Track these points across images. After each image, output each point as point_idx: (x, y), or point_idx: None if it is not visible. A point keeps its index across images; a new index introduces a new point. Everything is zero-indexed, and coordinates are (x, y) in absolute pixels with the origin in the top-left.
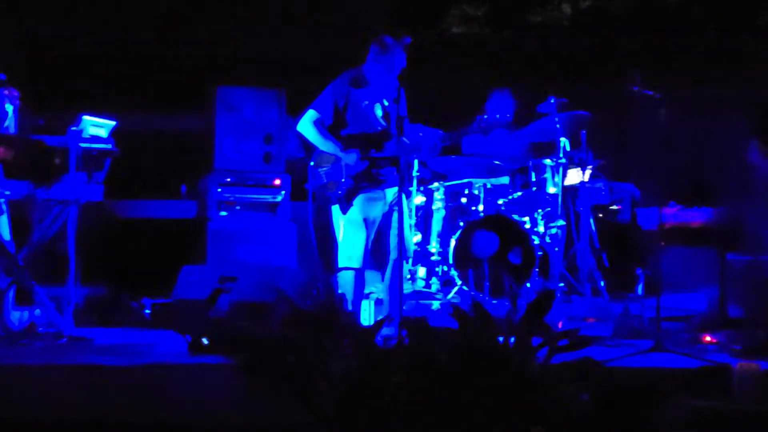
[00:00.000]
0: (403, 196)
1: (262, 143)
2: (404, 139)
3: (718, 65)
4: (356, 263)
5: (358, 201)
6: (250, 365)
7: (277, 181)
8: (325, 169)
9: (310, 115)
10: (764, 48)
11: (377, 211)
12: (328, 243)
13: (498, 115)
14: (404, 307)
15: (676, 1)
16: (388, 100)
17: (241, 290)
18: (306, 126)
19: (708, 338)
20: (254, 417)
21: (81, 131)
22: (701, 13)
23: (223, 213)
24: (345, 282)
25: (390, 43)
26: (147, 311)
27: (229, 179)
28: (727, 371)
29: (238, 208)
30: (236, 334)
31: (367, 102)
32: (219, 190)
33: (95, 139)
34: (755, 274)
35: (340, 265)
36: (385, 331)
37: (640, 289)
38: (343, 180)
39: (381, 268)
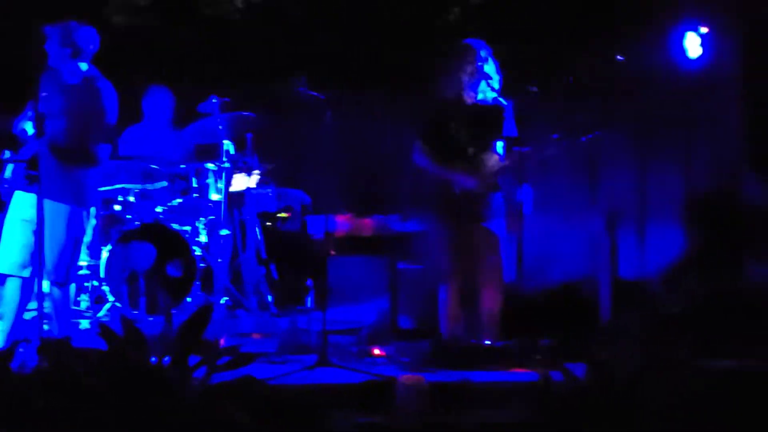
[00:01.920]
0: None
1: None
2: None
3: (387, 69)
4: (13, 270)
5: (13, 200)
6: None
7: None
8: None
9: None
10: (432, 54)
11: (24, 214)
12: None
13: (156, 114)
14: (45, 327)
15: (349, 4)
16: (60, 98)
17: None
18: None
19: (377, 351)
20: None
21: None
22: (374, 18)
23: None
24: (5, 293)
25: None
26: None
27: None
28: (392, 385)
29: None
30: None
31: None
32: None
33: None
34: (425, 283)
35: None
36: (22, 354)
37: (309, 302)
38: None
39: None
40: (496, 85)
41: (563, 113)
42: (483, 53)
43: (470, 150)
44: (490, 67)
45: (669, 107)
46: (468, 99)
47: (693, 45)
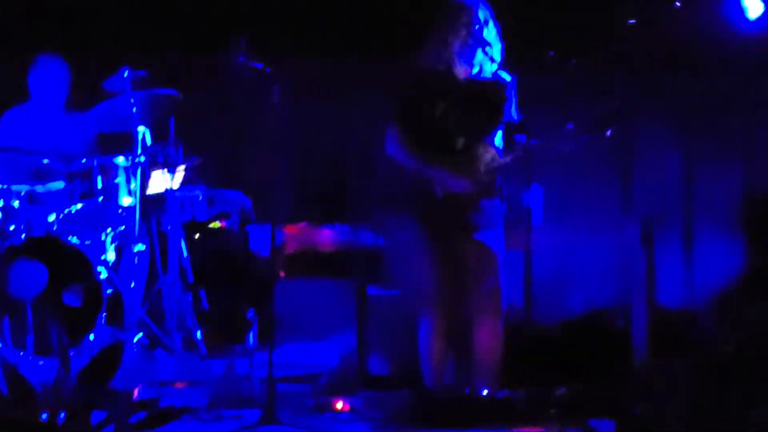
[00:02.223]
0: None
1: None
2: None
3: (354, 32)
4: None
5: None
6: None
7: None
8: None
9: None
10: (414, 12)
11: None
12: None
13: (47, 92)
14: None
15: None
16: None
17: None
18: None
19: (340, 404)
20: None
21: None
22: None
23: None
24: None
25: None
26: None
27: None
28: None
29: None
30: None
31: None
32: None
33: None
34: (402, 313)
35: None
36: None
37: (251, 340)
38: None
39: None
40: (498, 56)
41: (584, 93)
42: (481, 14)
43: (460, 140)
44: (489, 32)
45: (722, 85)
46: (460, 73)
47: (754, 1)
